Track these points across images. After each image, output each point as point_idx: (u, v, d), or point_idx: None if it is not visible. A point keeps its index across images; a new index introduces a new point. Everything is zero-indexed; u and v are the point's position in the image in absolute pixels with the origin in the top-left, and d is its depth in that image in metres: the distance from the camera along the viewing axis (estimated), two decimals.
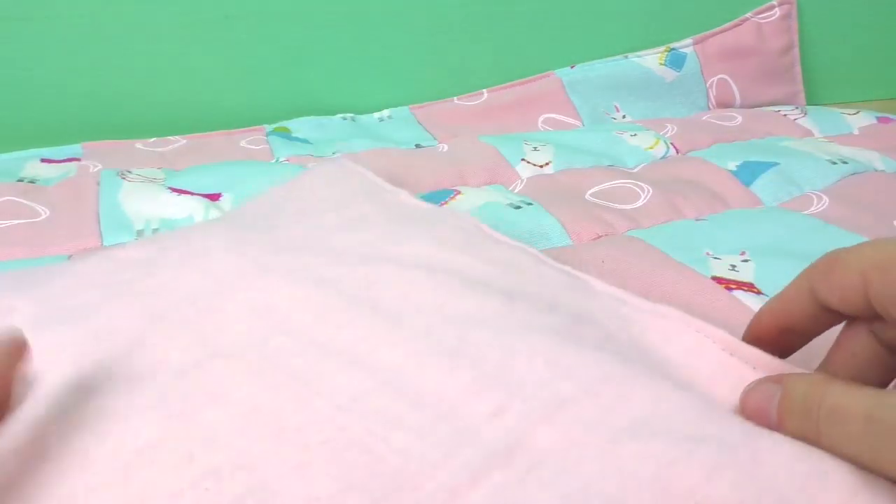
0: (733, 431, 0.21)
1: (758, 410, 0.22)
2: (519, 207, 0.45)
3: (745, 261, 0.38)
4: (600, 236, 0.43)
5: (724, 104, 0.69)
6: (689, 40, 0.68)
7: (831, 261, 0.23)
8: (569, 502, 0.19)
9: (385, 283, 0.29)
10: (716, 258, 0.39)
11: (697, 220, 0.45)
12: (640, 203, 0.47)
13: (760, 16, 0.69)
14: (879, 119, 0.64)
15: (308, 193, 0.41)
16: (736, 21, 0.69)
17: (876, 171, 0.53)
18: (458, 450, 0.21)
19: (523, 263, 0.32)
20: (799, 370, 0.23)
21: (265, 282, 0.30)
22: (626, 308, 0.28)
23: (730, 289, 0.36)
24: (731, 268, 0.38)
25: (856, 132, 0.63)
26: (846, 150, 0.56)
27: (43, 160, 0.53)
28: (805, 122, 0.64)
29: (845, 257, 0.23)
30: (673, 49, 0.67)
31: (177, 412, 0.23)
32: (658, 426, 0.21)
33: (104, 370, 0.25)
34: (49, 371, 0.26)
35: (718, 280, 0.36)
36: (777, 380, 0.22)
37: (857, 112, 0.66)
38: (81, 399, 0.24)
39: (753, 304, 0.34)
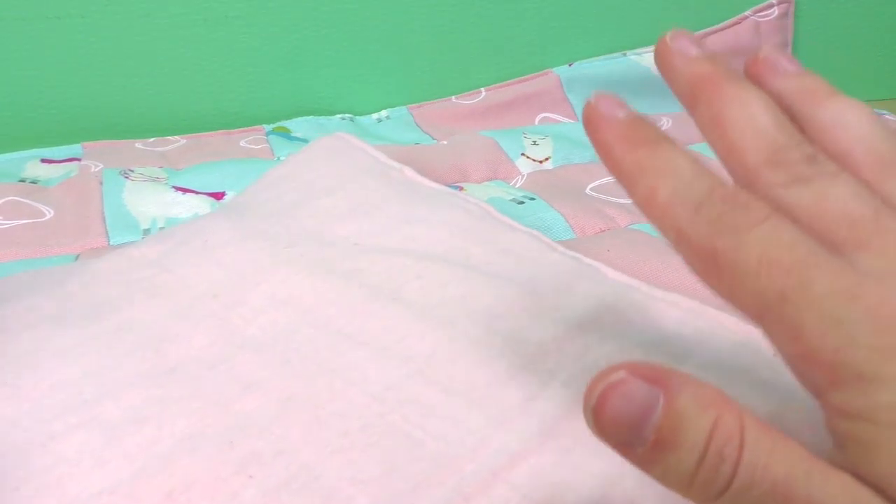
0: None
1: (621, 421, 0.14)
2: (522, 203, 0.46)
3: None
4: (603, 230, 0.44)
5: None
6: None
7: (713, 256, 0.15)
8: (604, 483, 0.20)
9: (405, 276, 0.29)
10: None
11: None
12: None
13: (759, 14, 0.69)
14: None
15: (311, 172, 0.40)
16: (736, 18, 0.68)
17: None
18: (494, 434, 0.21)
19: (534, 250, 0.32)
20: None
21: (284, 274, 0.30)
22: (639, 295, 0.29)
23: None
24: None
25: None
26: None
27: (43, 160, 0.53)
28: None
29: (733, 268, 0.15)
30: None
31: (212, 402, 0.23)
32: None
33: (132, 364, 0.26)
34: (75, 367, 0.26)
35: None
36: (653, 379, 0.15)
37: None
38: (113, 391, 0.24)
39: None
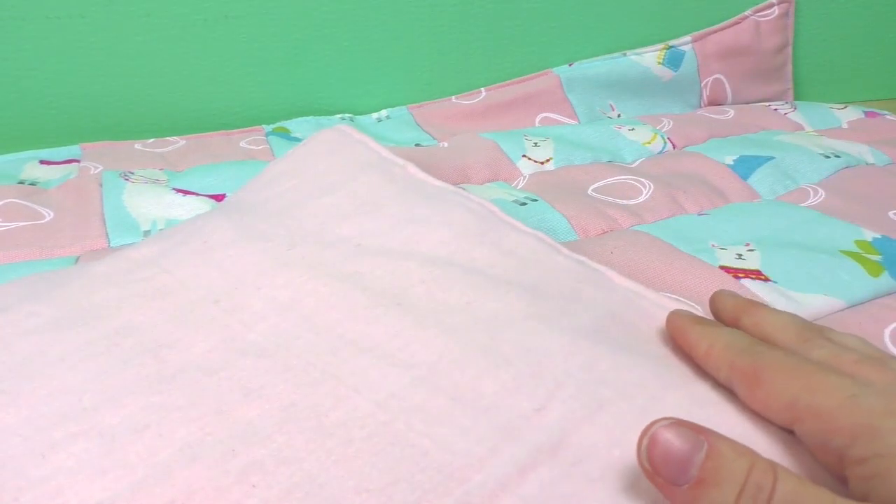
0: (770, 437, 0.21)
1: (671, 458, 0.18)
2: (524, 204, 0.46)
3: (751, 250, 0.39)
4: (606, 231, 0.44)
5: (716, 102, 0.70)
6: (688, 38, 0.68)
7: (755, 372, 0.21)
8: (617, 498, 0.19)
9: (409, 280, 0.29)
10: (721, 249, 0.40)
11: (699, 214, 0.46)
12: (642, 198, 0.48)
13: (759, 14, 0.69)
14: (867, 113, 0.66)
15: (312, 168, 0.39)
16: (736, 18, 0.68)
17: (867, 164, 0.54)
18: (502, 445, 0.21)
19: (539, 253, 0.32)
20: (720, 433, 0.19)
21: (285, 277, 0.30)
22: (646, 303, 0.29)
23: (738, 277, 0.36)
24: (737, 257, 0.39)
25: (844, 126, 0.64)
26: (838, 144, 0.57)
27: (42, 162, 0.52)
28: (795, 116, 0.65)
29: (772, 379, 0.21)
30: (672, 47, 0.67)
31: (213, 409, 0.23)
32: None
33: (131, 370, 0.25)
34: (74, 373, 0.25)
35: (726, 269, 0.37)
36: (697, 430, 0.19)
37: (845, 107, 0.67)
38: (112, 398, 0.24)
39: (761, 291, 0.35)
